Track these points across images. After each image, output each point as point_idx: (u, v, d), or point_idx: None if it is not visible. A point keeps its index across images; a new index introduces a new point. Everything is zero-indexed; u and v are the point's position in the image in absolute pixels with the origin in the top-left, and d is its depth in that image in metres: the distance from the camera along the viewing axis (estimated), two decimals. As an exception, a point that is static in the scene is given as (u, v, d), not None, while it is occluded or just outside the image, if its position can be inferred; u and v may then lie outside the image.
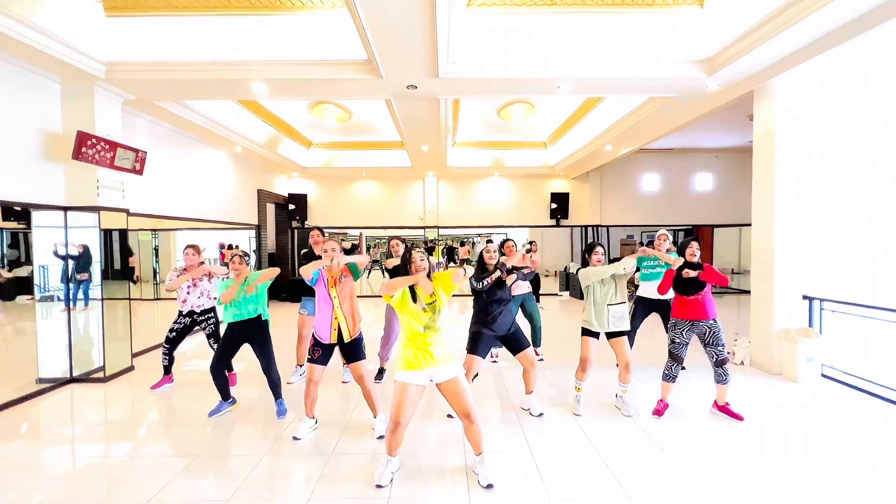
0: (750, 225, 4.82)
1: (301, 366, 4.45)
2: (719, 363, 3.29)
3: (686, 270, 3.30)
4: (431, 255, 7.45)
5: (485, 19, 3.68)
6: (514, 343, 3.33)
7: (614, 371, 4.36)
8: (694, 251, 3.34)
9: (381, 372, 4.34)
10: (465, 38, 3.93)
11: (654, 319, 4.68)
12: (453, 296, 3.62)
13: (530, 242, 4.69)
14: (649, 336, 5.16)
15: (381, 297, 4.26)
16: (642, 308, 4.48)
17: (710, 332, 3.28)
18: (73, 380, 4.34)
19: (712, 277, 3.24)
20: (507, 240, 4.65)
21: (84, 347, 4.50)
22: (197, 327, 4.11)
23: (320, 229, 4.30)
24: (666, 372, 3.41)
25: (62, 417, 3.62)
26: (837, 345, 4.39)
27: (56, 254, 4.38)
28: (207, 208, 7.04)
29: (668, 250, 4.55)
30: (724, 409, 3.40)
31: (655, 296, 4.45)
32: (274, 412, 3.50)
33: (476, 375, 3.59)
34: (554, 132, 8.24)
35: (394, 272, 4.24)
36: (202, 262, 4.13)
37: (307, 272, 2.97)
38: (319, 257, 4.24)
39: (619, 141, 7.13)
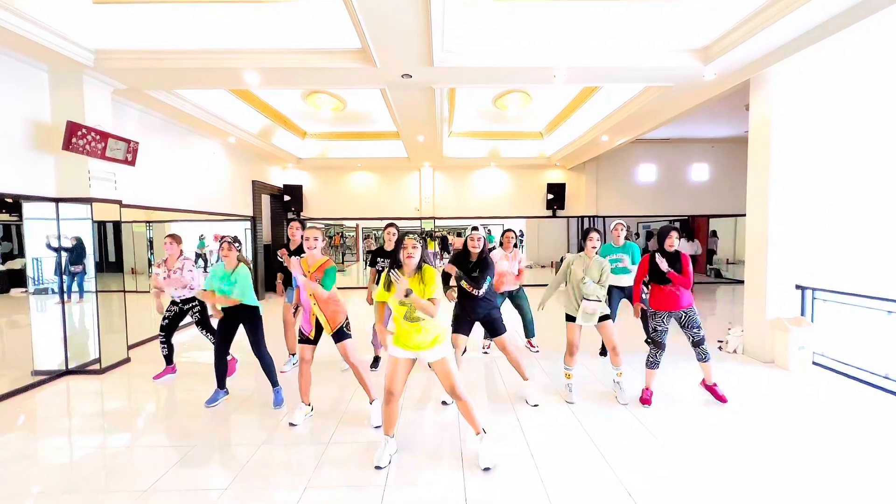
0: (745, 215, 4.84)
1: (294, 355, 4.46)
2: (696, 343, 3.40)
3: (660, 259, 3.34)
4: (426, 245, 7.41)
5: (480, 7, 3.62)
6: (490, 328, 3.48)
7: (605, 359, 4.45)
8: (672, 241, 3.38)
9: (376, 360, 4.36)
10: (460, 26, 3.88)
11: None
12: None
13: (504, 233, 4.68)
14: (637, 324, 5.18)
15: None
16: (615, 295, 4.56)
17: (686, 317, 3.39)
18: (68, 372, 4.34)
19: (678, 278, 3.32)
20: (508, 230, 4.65)
21: (79, 339, 4.49)
22: (187, 316, 4.13)
23: (300, 221, 4.30)
24: (650, 359, 3.49)
25: (58, 409, 3.63)
26: (829, 333, 4.44)
27: (49, 246, 4.34)
28: (202, 200, 6.98)
29: (626, 238, 4.63)
30: (711, 388, 3.50)
31: (623, 283, 4.54)
32: (270, 401, 3.52)
33: (465, 351, 3.83)
34: (550, 122, 8.19)
35: (374, 256, 4.25)
36: (182, 252, 4.14)
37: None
38: (291, 251, 4.29)
39: (615, 131, 7.11)
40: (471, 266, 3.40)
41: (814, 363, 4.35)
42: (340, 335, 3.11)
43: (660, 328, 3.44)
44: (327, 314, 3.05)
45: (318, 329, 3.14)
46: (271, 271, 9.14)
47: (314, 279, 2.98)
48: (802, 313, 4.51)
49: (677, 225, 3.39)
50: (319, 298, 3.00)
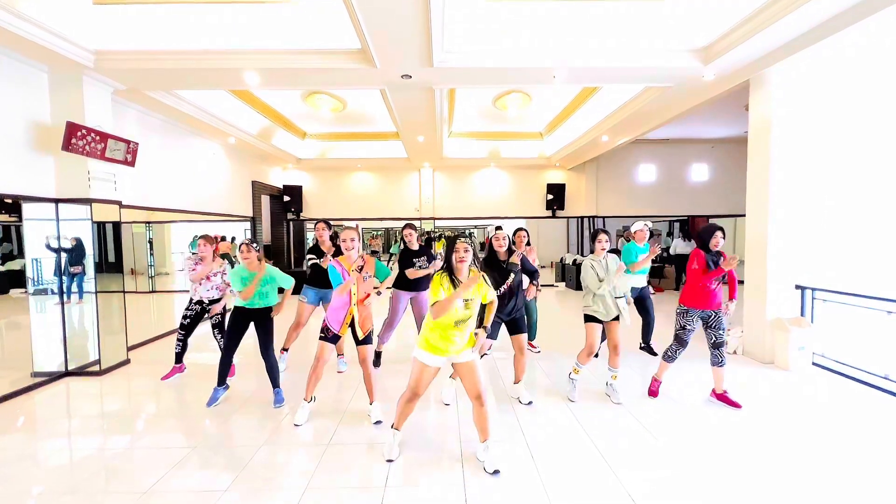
0: (745, 215, 4.84)
1: (286, 350, 4.42)
2: (716, 345, 3.37)
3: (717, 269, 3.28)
4: (432, 246, 7.43)
5: (480, 7, 3.63)
6: (513, 326, 3.48)
7: (597, 360, 4.45)
8: (718, 241, 3.32)
9: (377, 356, 4.35)
10: (459, 27, 3.88)
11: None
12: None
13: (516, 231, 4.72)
14: (636, 327, 5.17)
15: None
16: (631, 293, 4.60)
17: (714, 316, 3.37)
18: (68, 373, 4.33)
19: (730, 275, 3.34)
20: (520, 229, 4.68)
21: (79, 341, 4.48)
22: (207, 315, 4.11)
23: (326, 222, 4.25)
24: (668, 353, 3.50)
25: (58, 411, 3.62)
26: (829, 334, 4.44)
27: (48, 247, 4.34)
28: (201, 200, 6.97)
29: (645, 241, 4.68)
30: (722, 397, 3.46)
31: (640, 283, 4.61)
32: (271, 402, 3.52)
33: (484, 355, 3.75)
34: (550, 122, 8.19)
35: (405, 257, 4.24)
36: (216, 252, 4.11)
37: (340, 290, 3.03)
38: (322, 253, 4.24)
39: (615, 131, 7.11)
40: (505, 266, 3.42)
41: (813, 363, 4.35)
42: (367, 339, 3.15)
43: (689, 327, 3.41)
44: (361, 317, 3.10)
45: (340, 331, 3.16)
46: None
47: (361, 278, 3.07)
48: (802, 313, 4.51)
49: (721, 226, 3.36)
50: (363, 302, 3.09)
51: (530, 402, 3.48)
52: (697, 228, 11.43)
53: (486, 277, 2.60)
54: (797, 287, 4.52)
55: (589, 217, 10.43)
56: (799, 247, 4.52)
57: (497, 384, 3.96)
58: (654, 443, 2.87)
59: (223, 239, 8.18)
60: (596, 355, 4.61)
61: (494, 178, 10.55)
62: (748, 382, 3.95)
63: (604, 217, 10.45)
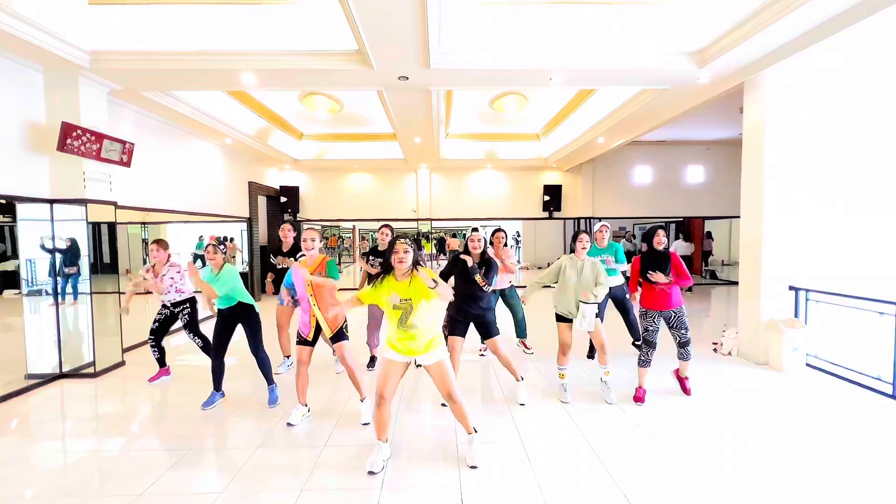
0: (739, 217, 4.87)
1: (288, 357, 4.45)
2: (682, 345, 3.51)
3: (651, 274, 3.42)
4: (421, 247, 7.42)
5: (477, 9, 3.64)
6: (483, 330, 3.50)
7: (594, 361, 4.46)
8: (660, 239, 3.47)
9: (372, 360, 4.37)
10: (456, 29, 3.89)
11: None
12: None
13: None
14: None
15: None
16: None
17: (675, 317, 3.47)
18: (62, 375, 4.30)
19: (679, 282, 3.41)
20: (498, 230, 4.65)
21: (73, 342, 4.45)
22: (178, 320, 4.10)
23: (292, 223, 4.31)
24: (641, 358, 3.56)
25: (53, 413, 3.60)
26: (822, 335, 4.48)
27: (43, 247, 4.31)
28: (198, 201, 6.95)
29: (612, 239, 4.66)
30: (681, 379, 3.68)
31: (609, 283, 4.55)
32: (266, 404, 3.52)
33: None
34: (547, 124, 8.22)
35: (368, 255, 4.28)
36: (169, 257, 4.08)
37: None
38: (283, 252, 4.29)
39: (611, 133, 7.14)
40: (469, 268, 3.41)
41: (807, 365, 4.38)
42: (338, 336, 3.14)
43: (651, 328, 3.52)
44: (329, 320, 3.08)
45: (316, 331, 3.15)
46: (267, 273, 9.12)
47: (300, 269, 3.04)
48: (796, 315, 4.54)
49: (664, 224, 3.50)
50: (321, 299, 3.03)
51: (522, 405, 3.50)
52: (693, 229, 11.48)
53: (428, 278, 2.46)
54: (791, 288, 4.56)
55: (585, 218, 10.47)
56: (793, 248, 4.56)
57: (492, 386, 3.97)
58: (649, 443, 2.88)
59: (225, 239, 8.17)
60: (591, 357, 4.65)
61: (491, 180, 10.57)
62: (742, 383, 3.98)
63: (600, 218, 10.47)
